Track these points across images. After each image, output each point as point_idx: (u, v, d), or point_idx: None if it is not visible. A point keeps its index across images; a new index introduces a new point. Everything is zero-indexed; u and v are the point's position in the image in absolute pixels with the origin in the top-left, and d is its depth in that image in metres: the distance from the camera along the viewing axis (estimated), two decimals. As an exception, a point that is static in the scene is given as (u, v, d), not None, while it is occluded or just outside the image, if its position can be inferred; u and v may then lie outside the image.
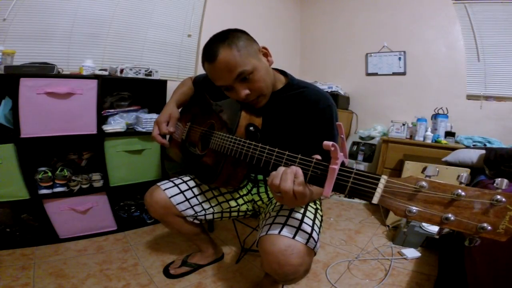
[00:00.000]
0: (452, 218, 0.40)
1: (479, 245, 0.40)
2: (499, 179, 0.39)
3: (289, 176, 0.55)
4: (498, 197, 0.37)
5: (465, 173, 0.42)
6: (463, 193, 0.40)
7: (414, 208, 0.43)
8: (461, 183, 0.42)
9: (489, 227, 0.38)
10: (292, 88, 0.88)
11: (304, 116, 0.83)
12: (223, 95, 0.95)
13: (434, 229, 1.40)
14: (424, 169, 0.45)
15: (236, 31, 0.77)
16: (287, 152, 0.61)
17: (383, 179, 0.47)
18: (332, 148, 0.49)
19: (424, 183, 0.42)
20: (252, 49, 0.77)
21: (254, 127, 0.81)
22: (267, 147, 0.66)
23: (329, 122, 0.82)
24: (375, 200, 0.47)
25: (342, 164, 0.51)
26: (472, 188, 0.40)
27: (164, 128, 0.97)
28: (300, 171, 0.56)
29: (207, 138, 0.92)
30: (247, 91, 0.77)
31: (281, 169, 0.58)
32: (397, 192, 0.45)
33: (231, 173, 0.84)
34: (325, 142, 0.49)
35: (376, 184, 0.47)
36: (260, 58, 0.79)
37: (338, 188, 0.51)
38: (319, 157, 0.57)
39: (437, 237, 0.45)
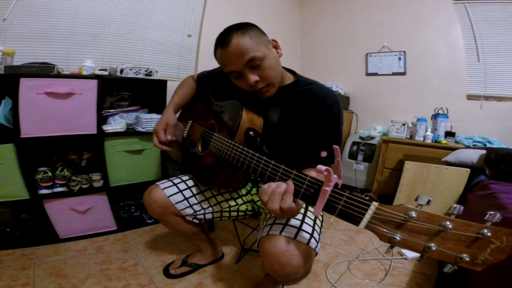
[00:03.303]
0: (434, 248, 0.41)
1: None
2: (492, 212, 0.39)
3: (276, 198, 0.56)
4: (485, 231, 0.38)
5: (458, 205, 0.41)
6: (450, 226, 0.40)
7: (398, 236, 0.44)
8: (451, 214, 0.42)
9: (468, 258, 0.39)
10: (300, 85, 0.89)
11: (311, 111, 0.84)
12: (226, 94, 0.95)
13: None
14: (418, 197, 0.45)
15: (248, 23, 0.80)
16: (282, 166, 0.61)
17: (373, 206, 0.47)
18: (325, 173, 0.49)
19: (413, 214, 0.43)
20: (263, 39, 0.80)
21: (254, 132, 0.81)
22: (264, 158, 0.66)
23: (336, 118, 0.82)
24: (361, 225, 0.47)
25: (336, 186, 0.51)
26: (461, 221, 0.40)
27: (162, 137, 0.98)
28: (291, 187, 0.55)
29: (207, 139, 0.92)
30: (256, 78, 0.78)
31: (272, 186, 0.57)
32: (385, 220, 0.45)
33: (229, 176, 0.84)
34: (319, 166, 0.50)
35: (366, 210, 0.47)
36: (271, 49, 0.82)
37: (328, 209, 0.52)
38: (313, 173, 0.57)
39: (417, 262, 0.45)
